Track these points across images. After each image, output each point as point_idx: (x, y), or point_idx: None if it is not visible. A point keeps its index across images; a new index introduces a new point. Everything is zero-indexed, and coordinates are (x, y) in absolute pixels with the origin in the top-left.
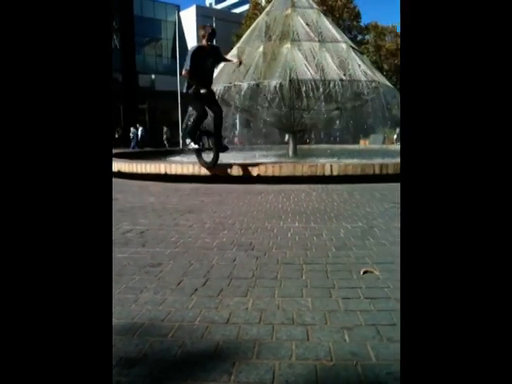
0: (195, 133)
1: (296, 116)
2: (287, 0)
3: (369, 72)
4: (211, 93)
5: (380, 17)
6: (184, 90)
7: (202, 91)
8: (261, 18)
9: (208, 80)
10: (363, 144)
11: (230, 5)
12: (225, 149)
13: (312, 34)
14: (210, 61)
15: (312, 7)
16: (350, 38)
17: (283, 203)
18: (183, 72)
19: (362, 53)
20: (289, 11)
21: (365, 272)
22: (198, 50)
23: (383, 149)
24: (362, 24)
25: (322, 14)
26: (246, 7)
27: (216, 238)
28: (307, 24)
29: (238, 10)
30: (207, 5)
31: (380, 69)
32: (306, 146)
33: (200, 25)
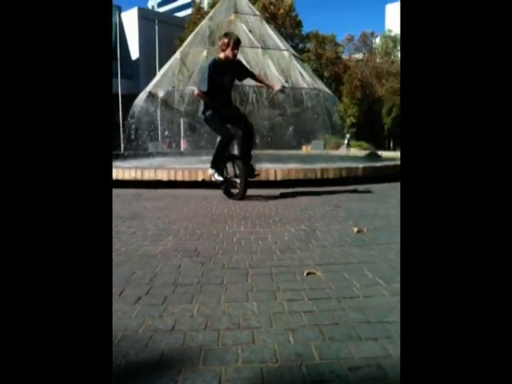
0: (221, 161)
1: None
2: (230, 6)
3: (310, 80)
4: (235, 109)
5: (320, 26)
6: (201, 114)
7: (224, 111)
8: (204, 23)
9: (228, 97)
10: (305, 150)
11: (173, 8)
12: (254, 175)
13: (255, 41)
14: (229, 77)
15: (255, 14)
16: (292, 46)
17: (229, 208)
18: (196, 92)
19: (303, 61)
20: (232, 17)
21: (308, 273)
22: (216, 64)
23: (324, 154)
24: (303, 32)
25: (264, 22)
26: (188, 11)
27: (160, 245)
28: (250, 31)
29: (180, 14)
30: (149, 7)
31: (321, 76)
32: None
33: (223, 34)
